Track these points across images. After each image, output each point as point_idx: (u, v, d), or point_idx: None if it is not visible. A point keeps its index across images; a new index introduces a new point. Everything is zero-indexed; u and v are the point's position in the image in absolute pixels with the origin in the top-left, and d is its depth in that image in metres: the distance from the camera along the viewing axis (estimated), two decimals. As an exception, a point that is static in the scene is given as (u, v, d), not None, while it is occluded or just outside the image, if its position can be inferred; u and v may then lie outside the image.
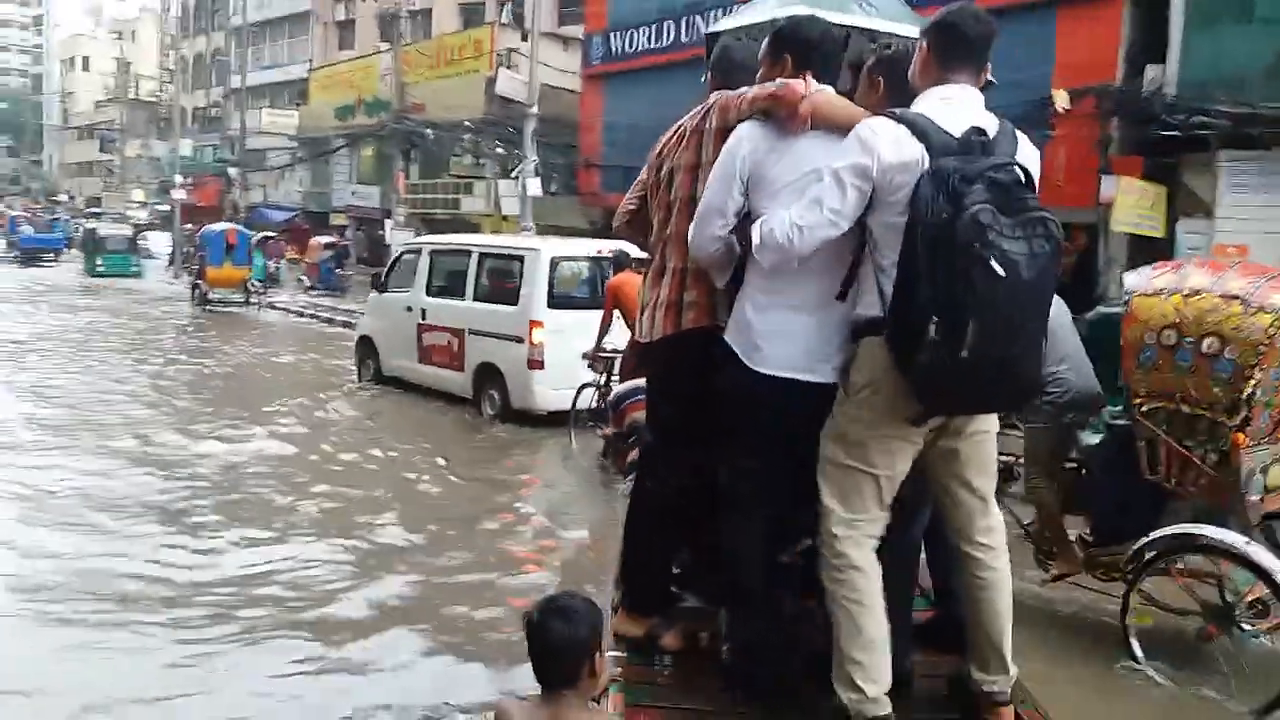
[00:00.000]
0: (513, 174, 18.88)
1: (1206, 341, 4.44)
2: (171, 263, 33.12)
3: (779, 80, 2.65)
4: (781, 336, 2.63)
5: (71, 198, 69.07)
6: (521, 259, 10.29)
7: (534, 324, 9.74)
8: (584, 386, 8.91)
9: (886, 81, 2.77)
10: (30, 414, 9.76)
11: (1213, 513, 4.52)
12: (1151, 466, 4.61)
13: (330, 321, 21.67)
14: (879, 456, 2.57)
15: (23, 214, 45.81)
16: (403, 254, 12.60)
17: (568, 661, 2.24)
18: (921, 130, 2.45)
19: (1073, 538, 5.19)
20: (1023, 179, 2.49)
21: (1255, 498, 4.49)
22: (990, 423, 2.72)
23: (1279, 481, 4.69)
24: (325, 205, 39.13)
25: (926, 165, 2.41)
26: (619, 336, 7.97)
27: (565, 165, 26.28)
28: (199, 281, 22.80)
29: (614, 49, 24.58)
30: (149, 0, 72.10)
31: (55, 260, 35.70)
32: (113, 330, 17.25)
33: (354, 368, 12.67)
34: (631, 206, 3.20)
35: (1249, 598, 4.41)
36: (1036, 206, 2.45)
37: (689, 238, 2.76)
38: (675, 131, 3.02)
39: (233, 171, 39.63)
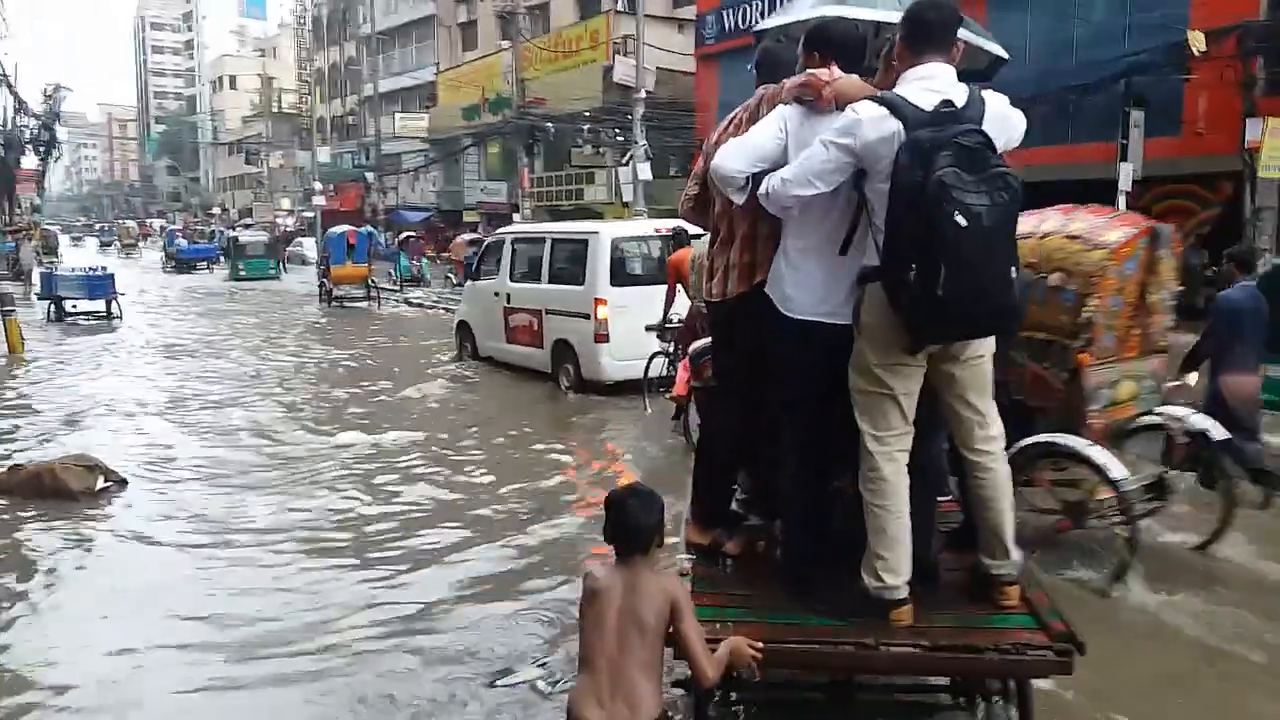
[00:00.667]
0: (624, 160, 19.05)
1: (1053, 276, 5.14)
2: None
3: (809, 71, 3.24)
4: (807, 287, 3.19)
5: (226, 210, 73.45)
6: (585, 242, 11.00)
7: (598, 301, 10.50)
8: (654, 355, 9.38)
9: (904, 43, 3.14)
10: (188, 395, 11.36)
11: (1066, 425, 5.16)
12: (1019, 388, 5.18)
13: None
14: (892, 379, 3.07)
15: (178, 228, 49.23)
16: (489, 244, 13.56)
17: (642, 534, 2.75)
18: (897, 108, 2.93)
19: None
20: (989, 141, 2.89)
21: (1098, 407, 5.20)
22: (984, 347, 3.15)
23: (1127, 395, 5.41)
24: (458, 203, 40.41)
25: (903, 137, 2.88)
26: (682, 307, 8.54)
27: (684, 147, 26.35)
28: (324, 280, 24.22)
29: (727, 26, 24.49)
30: (286, 16, 75.75)
31: (209, 268, 38.32)
32: (251, 328, 18.73)
33: (455, 349, 13.84)
34: (693, 192, 3.72)
35: (1099, 496, 5.09)
36: (999, 163, 2.88)
37: (711, 170, 3.30)
38: (730, 120, 3.53)
39: (370, 176, 41.39)
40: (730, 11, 24.29)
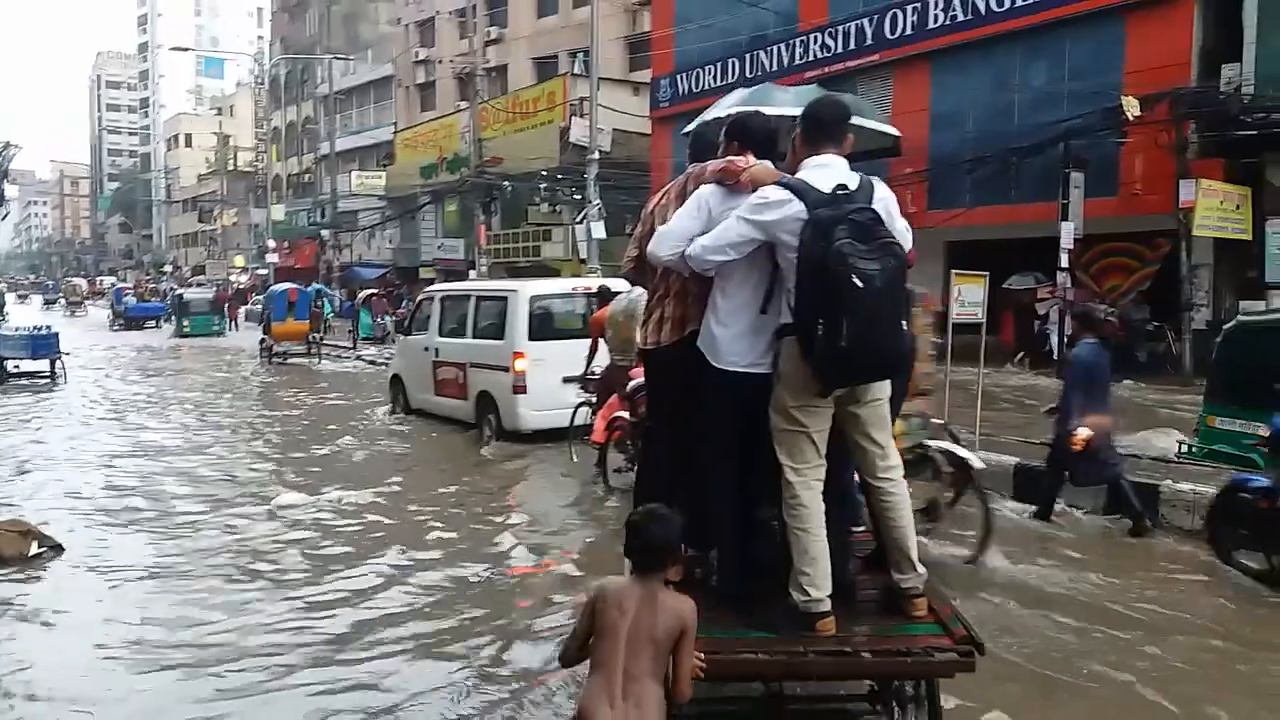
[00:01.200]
0: (578, 219, 19.26)
1: None
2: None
3: (728, 158, 3.75)
4: (733, 342, 3.63)
5: (178, 267, 72.72)
6: (506, 300, 11.57)
7: (516, 355, 11.00)
8: (580, 405, 9.79)
9: (801, 136, 3.69)
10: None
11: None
12: None
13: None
14: (806, 418, 3.50)
15: (126, 286, 48.87)
16: (421, 301, 14.00)
17: (660, 553, 3.02)
18: (800, 192, 3.41)
19: None
20: (877, 217, 3.39)
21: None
22: (882, 391, 3.60)
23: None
24: (414, 260, 40.38)
25: (804, 215, 3.35)
26: (604, 361, 9.15)
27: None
28: (265, 336, 24.21)
29: (680, 90, 24.99)
30: (244, 75, 75.98)
31: (158, 325, 38.17)
32: (187, 385, 18.81)
33: (389, 403, 14.30)
34: (633, 254, 4.10)
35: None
36: (886, 235, 3.36)
37: (649, 247, 3.76)
38: (662, 195, 4.03)
39: (325, 233, 41.28)
40: (684, 76, 24.81)
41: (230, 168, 63.46)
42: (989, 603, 5.72)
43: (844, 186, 3.43)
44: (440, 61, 40.36)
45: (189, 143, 79.97)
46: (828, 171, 3.48)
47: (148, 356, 25.94)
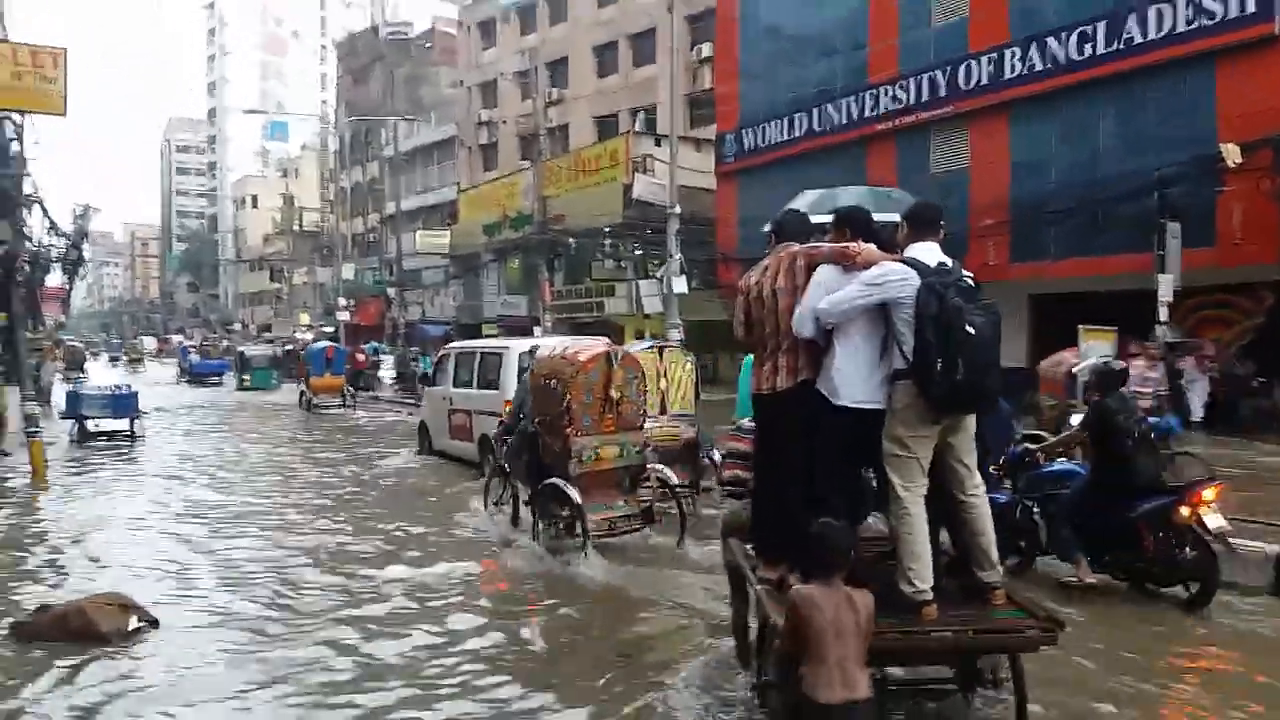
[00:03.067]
0: (657, 274, 19.17)
1: (551, 381, 8.79)
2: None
3: (844, 244, 4.65)
4: (849, 383, 4.45)
5: (245, 325, 74.19)
6: (500, 354, 13.40)
7: (506, 403, 11.55)
8: None
9: (909, 228, 4.66)
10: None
11: (563, 473, 8.54)
12: (544, 450, 8.83)
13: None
14: (916, 445, 4.35)
15: (192, 344, 50.69)
16: (441, 357, 15.91)
17: (841, 558, 3.81)
18: (915, 265, 4.36)
19: None
20: (976, 284, 4.40)
21: (575, 467, 8.49)
22: (971, 423, 4.48)
23: (610, 456, 8.82)
24: (477, 316, 40.62)
25: (918, 282, 4.26)
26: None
27: (702, 261, 26.48)
28: (304, 389, 26.67)
29: (746, 145, 24.87)
30: (310, 138, 77.97)
31: (221, 381, 39.30)
32: (262, 442, 19.29)
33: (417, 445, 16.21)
34: (742, 320, 4.95)
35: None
36: (984, 297, 4.35)
37: (794, 324, 4.60)
38: (762, 270, 4.86)
39: (390, 291, 41.75)
40: (749, 132, 24.70)
41: (296, 228, 64.83)
42: (686, 574, 7.98)
43: (944, 264, 4.40)
44: (503, 122, 41.00)
45: (255, 204, 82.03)
46: (930, 253, 4.46)
47: (217, 412, 26.52)
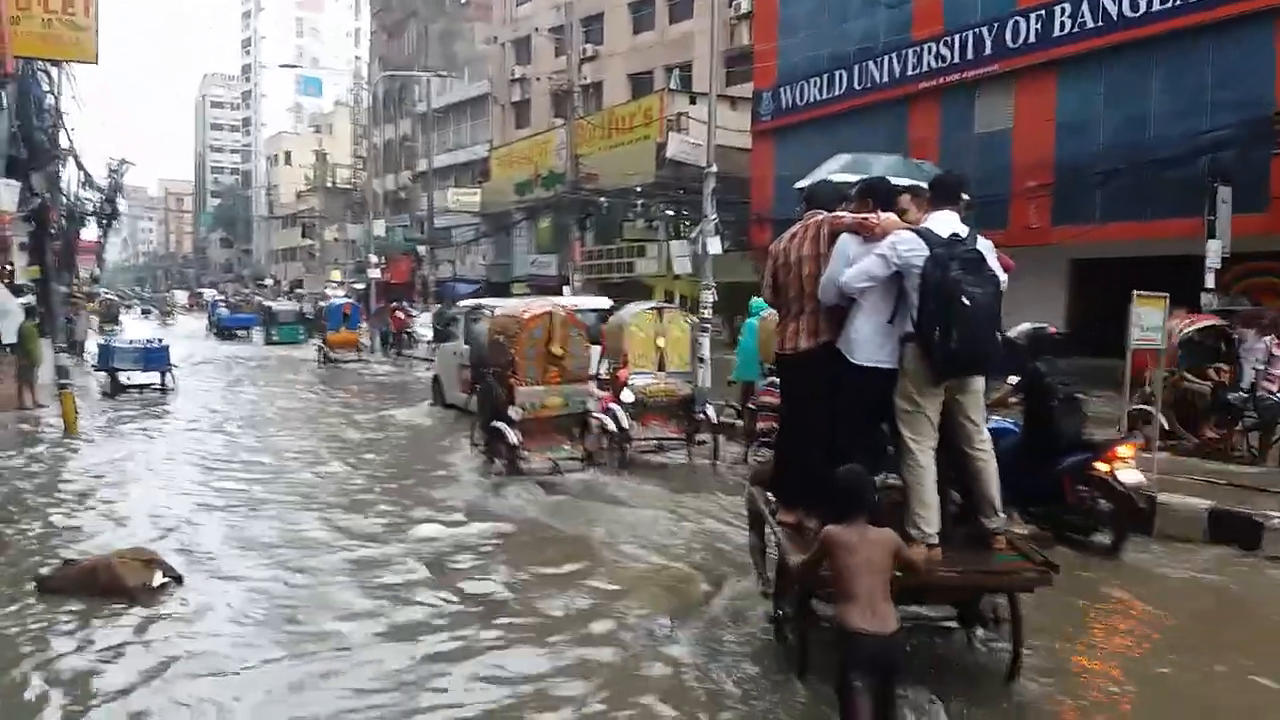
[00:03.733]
0: (691, 235, 18.90)
1: (500, 336, 10.19)
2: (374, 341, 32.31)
3: (864, 215, 5.00)
4: (867, 344, 4.79)
5: (277, 281, 74.60)
6: (494, 312, 13.90)
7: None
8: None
9: (931, 198, 5.03)
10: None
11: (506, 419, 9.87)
12: (496, 398, 10.05)
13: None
14: (926, 403, 4.69)
15: (221, 298, 51.95)
16: (452, 316, 17.03)
17: (862, 499, 4.06)
18: (924, 236, 4.67)
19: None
20: (981, 256, 4.62)
21: (516, 411, 9.77)
22: (978, 384, 4.88)
23: (555, 404, 10.04)
24: (507, 275, 40.49)
25: (928, 252, 4.57)
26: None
27: (735, 222, 26.09)
28: (322, 344, 27.81)
29: (784, 103, 24.38)
30: (343, 94, 77.76)
31: (249, 335, 39.90)
32: (290, 397, 19.62)
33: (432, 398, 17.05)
34: (770, 283, 5.40)
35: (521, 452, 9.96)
36: (988, 270, 4.61)
37: (819, 291, 4.96)
38: (790, 237, 5.25)
39: (421, 249, 41.67)
40: (787, 90, 24.19)
41: (328, 184, 64.84)
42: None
43: (957, 234, 4.67)
44: (536, 79, 40.53)
45: (288, 160, 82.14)
46: (945, 223, 4.75)
47: (244, 366, 26.91)
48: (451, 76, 46.04)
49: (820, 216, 5.12)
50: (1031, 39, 18.26)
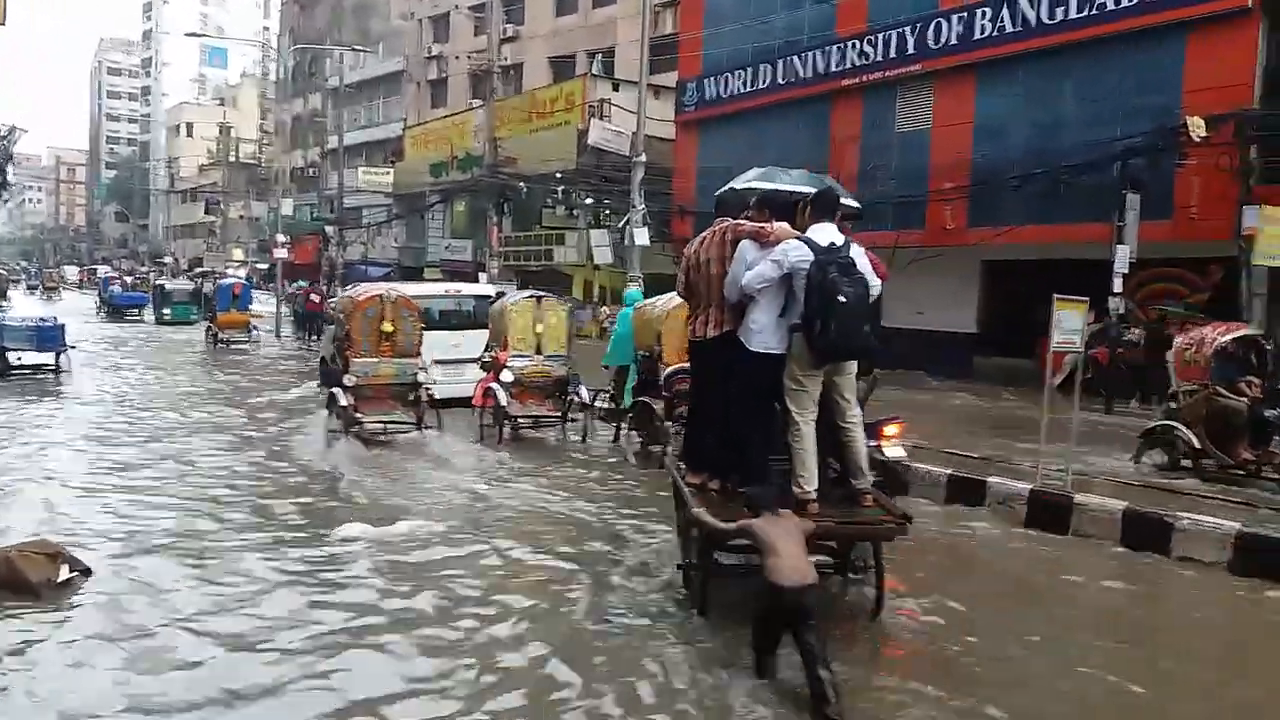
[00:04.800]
0: (617, 225, 18.78)
1: (341, 314, 11.80)
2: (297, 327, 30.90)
3: (760, 224, 5.78)
4: (762, 333, 5.60)
5: (176, 259, 71.81)
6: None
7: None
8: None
9: (811, 211, 5.77)
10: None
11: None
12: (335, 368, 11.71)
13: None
14: (808, 382, 5.54)
15: (113, 275, 49.61)
16: (343, 298, 16.88)
17: (776, 500, 5.08)
18: (810, 244, 5.44)
19: None
20: (853, 262, 5.40)
21: (352, 380, 11.14)
22: (851, 368, 5.67)
23: (388, 372, 11.38)
24: (420, 260, 39.71)
25: (812, 258, 5.33)
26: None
27: (656, 213, 26.03)
28: (211, 324, 27.42)
29: (708, 94, 24.37)
30: (250, 66, 75.20)
31: (141, 315, 38.70)
32: (191, 380, 18.96)
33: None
34: (683, 280, 6.25)
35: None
36: (858, 273, 5.36)
37: (724, 289, 5.77)
38: (700, 241, 6.06)
39: (329, 229, 40.56)
40: (712, 81, 24.19)
41: (232, 159, 62.67)
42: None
43: (834, 243, 5.46)
44: (455, 58, 39.76)
45: (190, 132, 79.14)
46: (825, 233, 5.53)
47: (133, 345, 26.31)
48: (366, 51, 44.84)
49: (726, 223, 5.92)
50: (953, 41, 18.60)
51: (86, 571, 6.03)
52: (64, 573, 5.83)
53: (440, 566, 6.63)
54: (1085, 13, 16.47)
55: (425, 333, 12.34)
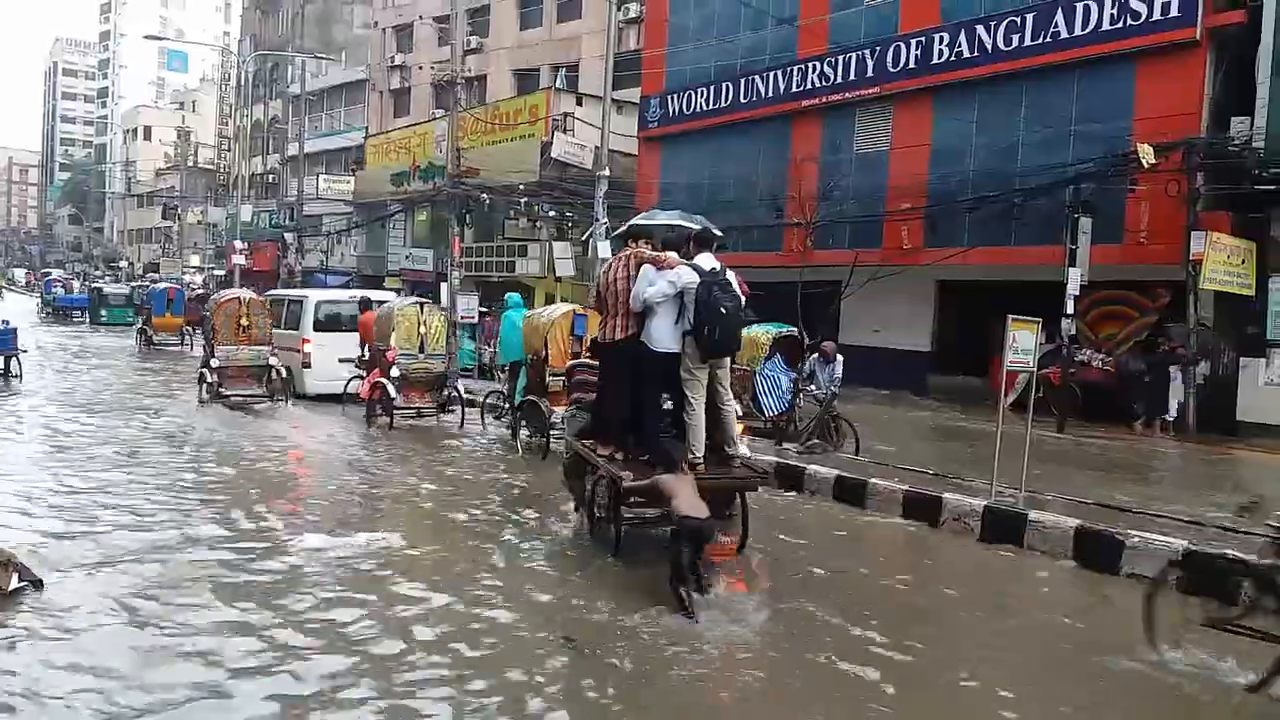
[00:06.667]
0: (583, 238, 18.95)
1: (208, 311, 15.89)
2: None
3: (659, 253, 7.23)
4: (661, 337, 6.97)
5: (130, 263, 70.60)
6: (301, 302, 17.10)
7: (304, 340, 16.32)
8: (352, 378, 14.86)
9: (694, 244, 7.30)
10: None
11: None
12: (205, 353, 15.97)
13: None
14: (698, 373, 6.98)
15: (55, 277, 49.66)
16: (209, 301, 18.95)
17: (677, 458, 6.73)
18: (697, 269, 6.88)
19: None
20: (729, 282, 6.96)
21: (215, 361, 15.00)
22: (727, 362, 7.29)
23: (246, 358, 15.07)
24: (380, 269, 39.38)
25: (699, 280, 6.76)
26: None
27: (618, 226, 26.11)
28: (145, 327, 28.32)
29: (671, 110, 24.55)
30: (210, 71, 74.33)
31: (84, 317, 39.25)
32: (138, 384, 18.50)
33: None
34: (594, 293, 8.08)
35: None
36: (734, 291, 6.92)
37: (630, 301, 7.09)
38: (611, 265, 7.43)
39: (288, 236, 40.12)
40: (674, 97, 24.37)
41: (190, 164, 61.83)
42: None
43: (714, 268, 6.96)
44: (418, 68, 39.60)
45: (148, 136, 77.96)
46: (707, 260, 7.04)
47: (72, 350, 26.41)
48: (328, 59, 44.54)
49: (629, 251, 7.36)
50: (911, 64, 18.91)
51: (38, 582, 5.91)
52: (13, 582, 5.71)
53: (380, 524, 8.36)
54: (1040, 40, 16.84)
55: (335, 335, 16.06)
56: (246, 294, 15.48)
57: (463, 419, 13.90)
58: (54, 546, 6.99)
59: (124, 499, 8.65)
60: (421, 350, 13.80)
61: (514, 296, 14.31)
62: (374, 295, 16.69)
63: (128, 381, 19.05)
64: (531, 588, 6.47)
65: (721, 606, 6.15)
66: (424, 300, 14.89)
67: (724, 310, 6.66)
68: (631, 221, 8.36)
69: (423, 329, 13.85)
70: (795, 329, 12.85)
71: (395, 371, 13.51)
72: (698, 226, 8.41)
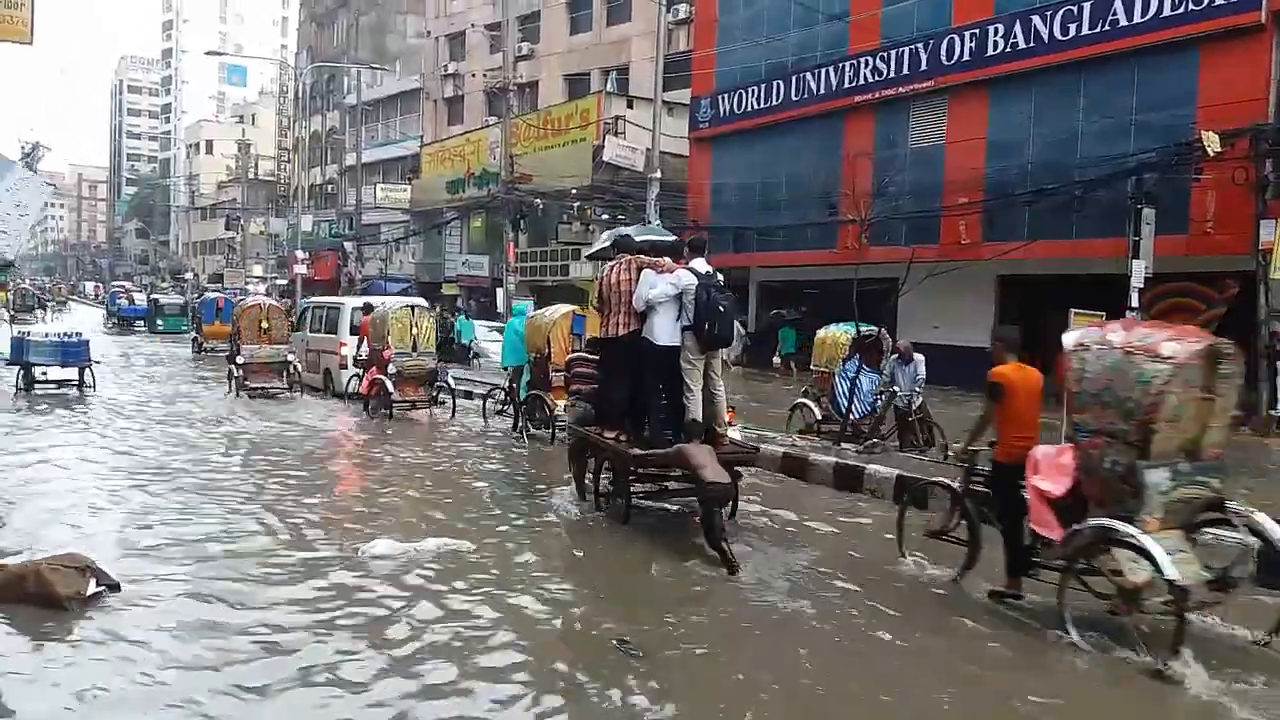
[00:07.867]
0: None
1: (235, 317, 19.93)
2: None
3: (658, 259, 8.40)
4: (663, 333, 7.99)
5: (195, 275, 72.36)
6: (338, 309, 18.63)
7: (341, 343, 17.80)
8: (351, 377, 16.62)
9: (689, 251, 8.48)
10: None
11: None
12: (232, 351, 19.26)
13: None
14: (696, 363, 7.99)
15: (119, 289, 52.16)
16: (304, 310, 20.57)
17: (697, 431, 7.92)
18: (694, 272, 8.01)
19: None
20: (722, 283, 8.12)
21: (241, 359, 17.80)
22: (721, 353, 8.33)
23: (264, 355, 17.54)
24: (437, 275, 39.92)
25: (696, 282, 7.85)
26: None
27: (674, 228, 26.11)
28: (197, 335, 29.81)
29: (722, 110, 24.53)
30: (269, 84, 75.91)
31: (145, 326, 41.68)
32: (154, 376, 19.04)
33: None
34: (598, 296, 8.65)
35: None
36: (727, 291, 8.05)
37: (633, 301, 8.11)
38: (611, 269, 8.38)
39: (348, 245, 40.84)
40: (725, 97, 24.34)
41: (251, 176, 63.22)
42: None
43: (709, 271, 8.00)
44: (471, 75, 40.06)
45: (210, 149, 79.86)
46: (701, 265, 8.05)
47: (136, 356, 27.35)
48: (383, 70, 45.27)
49: (628, 257, 8.38)
50: (965, 57, 18.68)
51: (115, 586, 6.13)
52: (92, 586, 5.92)
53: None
54: (1098, 28, 16.53)
55: (351, 337, 17.24)
56: (266, 301, 18.48)
57: (454, 409, 15.53)
58: (130, 551, 7.23)
59: (196, 505, 8.87)
60: (414, 349, 15.17)
61: (522, 305, 15.61)
62: (374, 300, 18.21)
63: (183, 389, 19.78)
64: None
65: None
66: (415, 304, 16.76)
67: (722, 308, 7.75)
68: (615, 232, 9.48)
69: (415, 330, 15.23)
70: (876, 328, 12.29)
71: (392, 369, 14.92)
72: (672, 238, 10.53)
